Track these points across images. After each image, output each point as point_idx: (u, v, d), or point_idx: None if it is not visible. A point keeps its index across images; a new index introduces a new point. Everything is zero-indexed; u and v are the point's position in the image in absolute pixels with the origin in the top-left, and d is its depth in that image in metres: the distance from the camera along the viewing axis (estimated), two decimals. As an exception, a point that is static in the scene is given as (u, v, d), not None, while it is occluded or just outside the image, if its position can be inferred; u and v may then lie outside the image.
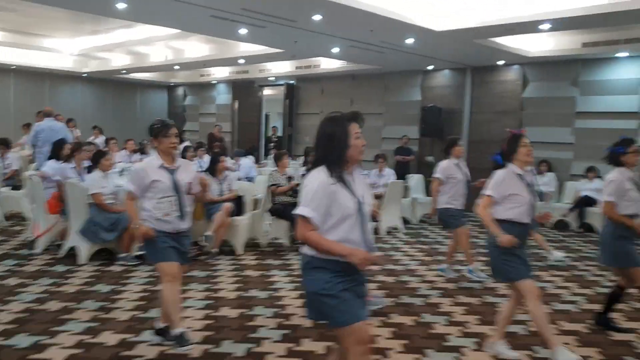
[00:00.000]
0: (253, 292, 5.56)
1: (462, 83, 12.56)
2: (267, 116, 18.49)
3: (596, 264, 6.97)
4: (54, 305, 4.96)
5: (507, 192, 3.94)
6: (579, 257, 7.73)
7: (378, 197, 9.13)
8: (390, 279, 6.28)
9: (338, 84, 14.95)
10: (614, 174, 4.54)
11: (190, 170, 4.07)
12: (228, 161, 10.57)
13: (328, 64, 13.98)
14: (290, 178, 7.43)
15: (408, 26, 8.43)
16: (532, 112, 11.49)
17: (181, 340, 3.83)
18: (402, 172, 12.14)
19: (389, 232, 9.17)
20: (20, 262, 6.40)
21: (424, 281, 6.24)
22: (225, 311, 4.96)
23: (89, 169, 6.75)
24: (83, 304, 5.04)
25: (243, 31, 9.35)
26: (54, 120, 10.07)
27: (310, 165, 2.79)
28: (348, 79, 14.64)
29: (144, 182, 3.82)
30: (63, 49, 14.82)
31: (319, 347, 4.17)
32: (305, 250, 2.74)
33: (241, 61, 13.39)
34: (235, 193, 7.29)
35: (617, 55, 10.20)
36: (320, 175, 2.66)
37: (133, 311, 4.86)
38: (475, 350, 4.23)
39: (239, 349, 4.09)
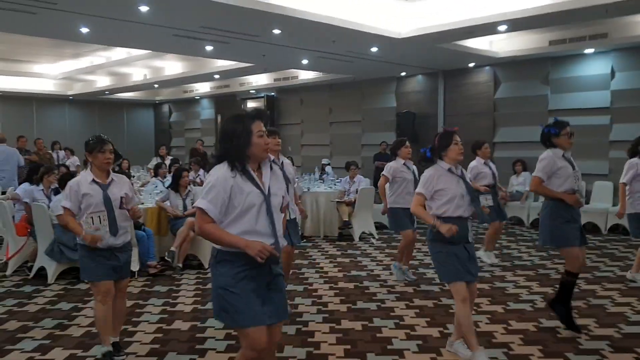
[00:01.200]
0: (210, 305, 5.62)
1: (435, 87, 12.68)
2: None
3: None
4: (12, 325, 5.04)
5: (437, 188, 3.94)
6: (549, 255, 7.78)
7: (350, 203, 9.23)
8: (350, 285, 6.35)
9: (316, 94, 15.11)
10: (546, 153, 4.58)
11: (124, 185, 4.09)
12: (202, 175, 10.75)
13: (306, 75, 14.14)
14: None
15: (369, 35, 8.56)
16: (505, 113, 11.59)
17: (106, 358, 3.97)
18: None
19: (361, 238, 9.25)
20: (-11, 285, 6.49)
21: (384, 286, 6.31)
22: (178, 324, 5.03)
23: (56, 191, 6.85)
24: (41, 322, 5.11)
25: (209, 48, 9.50)
26: (6, 146, 10.31)
27: (214, 160, 2.85)
28: (326, 88, 14.79)
29: (77, 196, 3.89)
30: (47, 73, 15.06)
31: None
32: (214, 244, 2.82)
33: (216, 76, 13.56)
34: None
35: (585, 51, 10.30)
36: (220, 170, 2.74)
37: (88, 327, 4.94)
38: (415, 352, 4.28)
39: (182, 361, 4.17)
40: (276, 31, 8.20)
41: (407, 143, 6.41)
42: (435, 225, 3.83)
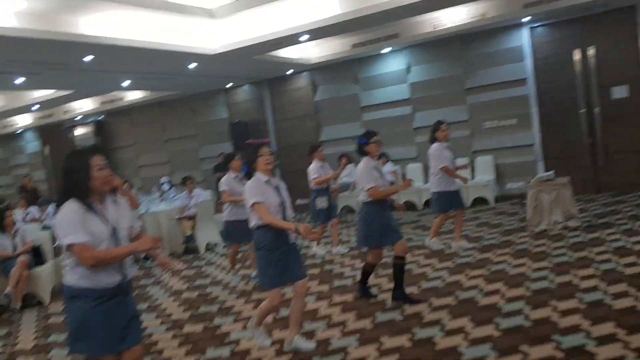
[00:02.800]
0: (53, 337, 5.67)
1: (261, 95, 13.37)
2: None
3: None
4: None
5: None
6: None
7: (191, 217, 9.52)
8: (193, 294, 6.71)
9: (147, 113, 15.07)
10: (362, 164, 5.19)
11: None
12: (34, 211, 10.36)
13: (133, 96, 14.03)
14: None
15: (183, 54, 8.90)
16: (326, 113, 12.59)
17: None
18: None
19: (208, 249, 9.60)
20: None
21: (225, 289, 6.76)
22: (19, 361, 5.05)
23: None
24: None
25: (20, 80, 9.20)
26: None
27: (58, 199, 2.97)
28: (156, 106, 14.81)
29: None
30: None
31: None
32: (66, 280, 2.95)
33: (34, 107, 12.96)
34: (30, 244, 7.24)
35: (383, 51, 11.57)
36: (72, 205, 2.87)
37: None
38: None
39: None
40: (88, 58, 8.22)
41: (238, 156, 6.75)
42: (298, 228, 3.97)
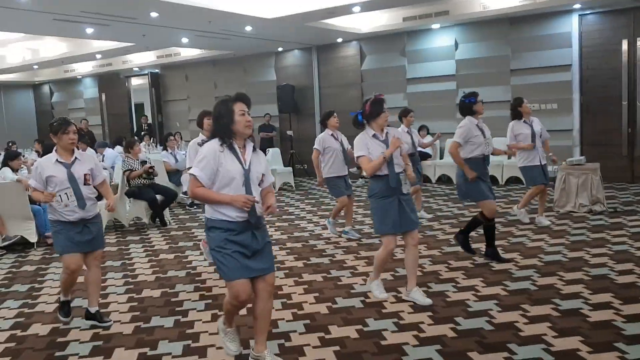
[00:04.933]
0: (108, 263, 6.40)
1: (310, 61, 13.82)
2: (141, 105, 18.71)
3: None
4: None
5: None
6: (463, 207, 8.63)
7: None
8: (297, 244, 6.90)
9: (201, 70, 15.72)
10: (464, 122, 5.37)
11: (88, 162, 4.42)
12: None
13: (189, 52, 14.69)
14: (143, 162, 8.23)
15: (242, 16, 9.42)
16: (371, 83, 12.96)
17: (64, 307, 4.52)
18: (266, 147, 13.29)
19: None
20: None
21: (329, 242, 6.94)
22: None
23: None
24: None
25: (89, 30, 9.90)
26: None
27: (209, 137, 3.36)
28: (210, 64, 15.44)
29: (41, 177, 4.29)
30: None
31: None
32: (205, 212, 3.33)
33: (98, 56, 13.75)
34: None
35: (432, 27, 11.82)
36: (211, 145, 3.21)
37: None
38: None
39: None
40: (153, 14, 8.83)
41: (335, 114, 6.91)
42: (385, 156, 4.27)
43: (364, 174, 4.69)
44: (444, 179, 11.74)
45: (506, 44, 11.17)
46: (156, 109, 16.80)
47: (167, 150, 10.01)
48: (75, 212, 4.22)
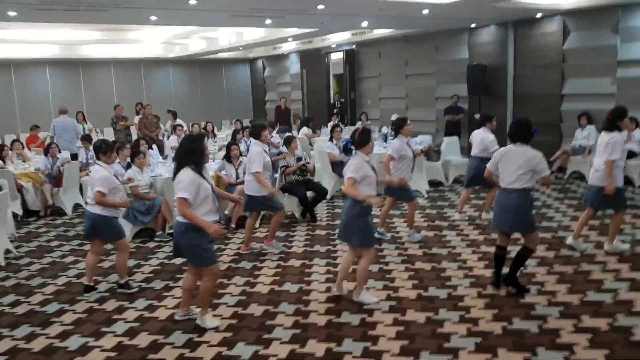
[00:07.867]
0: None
1: (504, 38, 12.47)
2: (337, 81, 19.07)
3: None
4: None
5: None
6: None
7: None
8: (431, 233, 7.04)
9: (393, 47, 15.37)
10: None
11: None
12: (276, 136, 11.74)
13: (381, 30, 14.34)
14: (299, 159, 8.36)
15: (416, 4, 8.88)
16: (573, 64, 11.24)
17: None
18: (452, 131, 12.56)
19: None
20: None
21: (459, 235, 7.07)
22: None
23: (128, 166, 8.09)
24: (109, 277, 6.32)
25: (268, 21, 10.31)
26: (66, 116, 11.81)
27: (177, 166, 4.44)
28: (402, 41, 14.97)
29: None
30: (150, 39, 16.59)
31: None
32: (180, 219, 4.42)
33: (290, 39, 14.27)
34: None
35: (656, -2, 9.70)
36: (188, 173, 4.36)
37: (143, 283, 6.15)
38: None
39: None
40: (320, 6, 8.77)
41: (409, 121, 6.91)
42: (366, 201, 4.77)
43: None
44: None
45: None
46: (349, 86, 16.98)
47: (332, 142, 10.00)
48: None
